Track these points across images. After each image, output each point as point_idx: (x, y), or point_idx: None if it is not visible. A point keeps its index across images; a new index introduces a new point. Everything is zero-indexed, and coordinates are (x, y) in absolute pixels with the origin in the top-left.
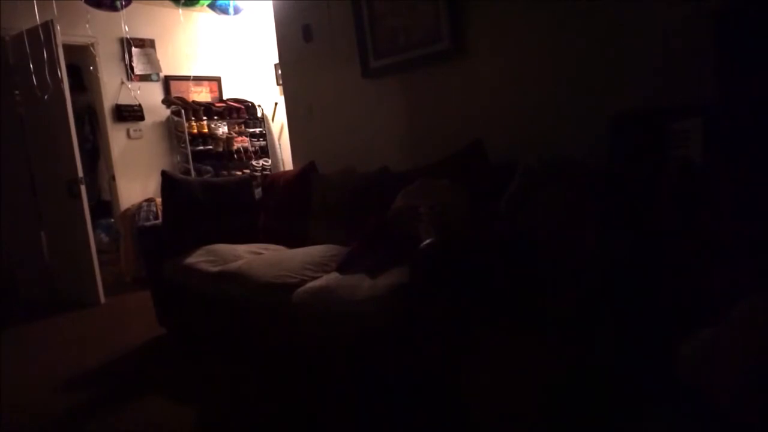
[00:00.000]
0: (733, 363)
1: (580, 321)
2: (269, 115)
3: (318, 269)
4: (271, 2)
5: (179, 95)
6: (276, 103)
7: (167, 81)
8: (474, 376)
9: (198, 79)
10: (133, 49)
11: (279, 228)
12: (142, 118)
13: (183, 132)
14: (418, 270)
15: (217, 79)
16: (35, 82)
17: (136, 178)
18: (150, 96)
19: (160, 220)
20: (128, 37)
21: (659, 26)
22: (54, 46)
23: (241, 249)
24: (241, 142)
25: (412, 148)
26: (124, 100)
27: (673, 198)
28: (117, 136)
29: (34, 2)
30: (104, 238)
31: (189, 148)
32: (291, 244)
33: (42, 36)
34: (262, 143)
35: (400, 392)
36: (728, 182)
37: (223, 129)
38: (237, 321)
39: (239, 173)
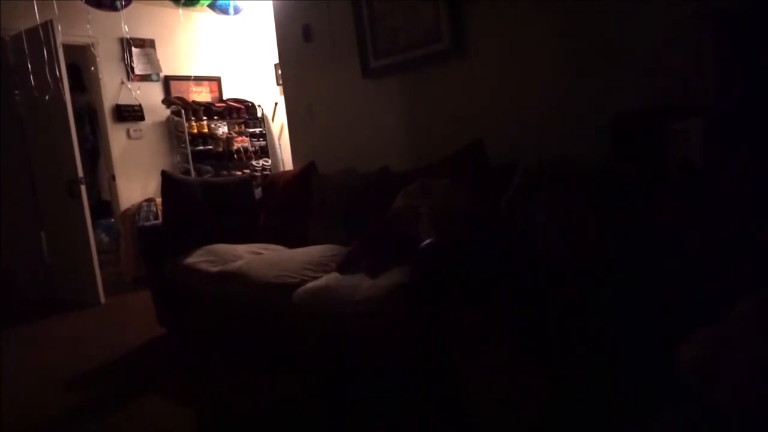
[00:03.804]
0: (734, 362)
1: (580, 321)
2: (269, 115)
3: (318, 269)
4: (271, 2)
5: (179, 95)
6: (276, 103)
7: (167, 81)
8: (474, 376)
9: (198, 79)
10: (133, 49)
11: (279, 228)
12: (142, 118)
13: (183, 132)
14: (418, 270)
15: (217, 79)
16: (34, 82)
17: (136, 178)
18: (150, 96)
19: (160, 220)
20: (128, 37)
21: (659, 26)
22: (54, 46)
23: (241, 249)
24: (241, 142)
25: (412, 148)
26: (124, 100)
27: (673, 198)
28: (117, 136)
29: (34, 2)
30: (104, 238)
31: (189, 148)
32: (291, 244)
33: (42, 36)
34: (262, 143)
35: (400, 392)
36: (728, 182)
37: (223, 129)
38: (237, 321)
39: (239, 173)
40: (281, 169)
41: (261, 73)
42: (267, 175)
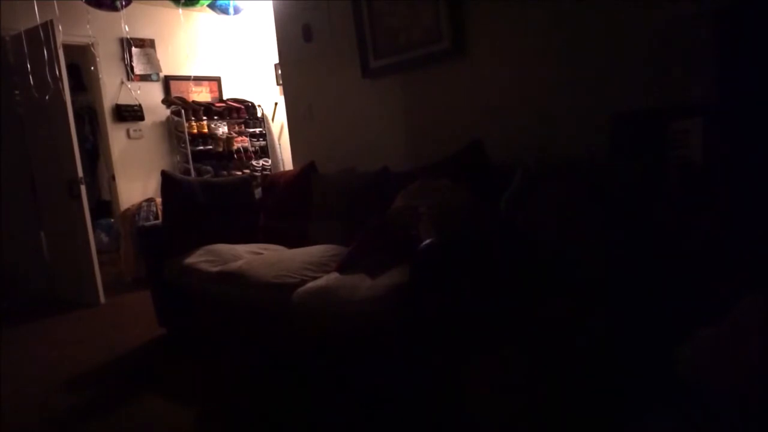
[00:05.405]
0: (733, 363)
1: (580, 320)
2: (269, 115)
3: (318, 269)
4: (271, 2)
5: (179, 95)
6: (276, 103)
7: (167, 81)
8: (474, 377)
9: (198, 79)
10: (133, 49)
11: (279, 228)
12: (142, 118)
13: (183, 132)
14: (418, 270)
15: (217, 79)
16: (34, 83)
17: (136, 178)
18: (150, 96)
19: (160, 220)
20: (128, 37)
21: (659, 26)
22: (54, 46)
23: (241, 249)
24: (241, 142)
25: (412, 148)
26: (124, 100)
27: (673, 198)
28: (117, 136)
29: (34, 2)
30: (104, 238)
31: (189, 148)
32: (291, 244)
33: (42, 36)
34: (262, 143)
35: (400, 392)
36: (728, 182)
37: (223, 129)
38: (237, 321)
39: (239, 173)
40: (281, 169)
41: (261, 73)
42: (267, 175)
